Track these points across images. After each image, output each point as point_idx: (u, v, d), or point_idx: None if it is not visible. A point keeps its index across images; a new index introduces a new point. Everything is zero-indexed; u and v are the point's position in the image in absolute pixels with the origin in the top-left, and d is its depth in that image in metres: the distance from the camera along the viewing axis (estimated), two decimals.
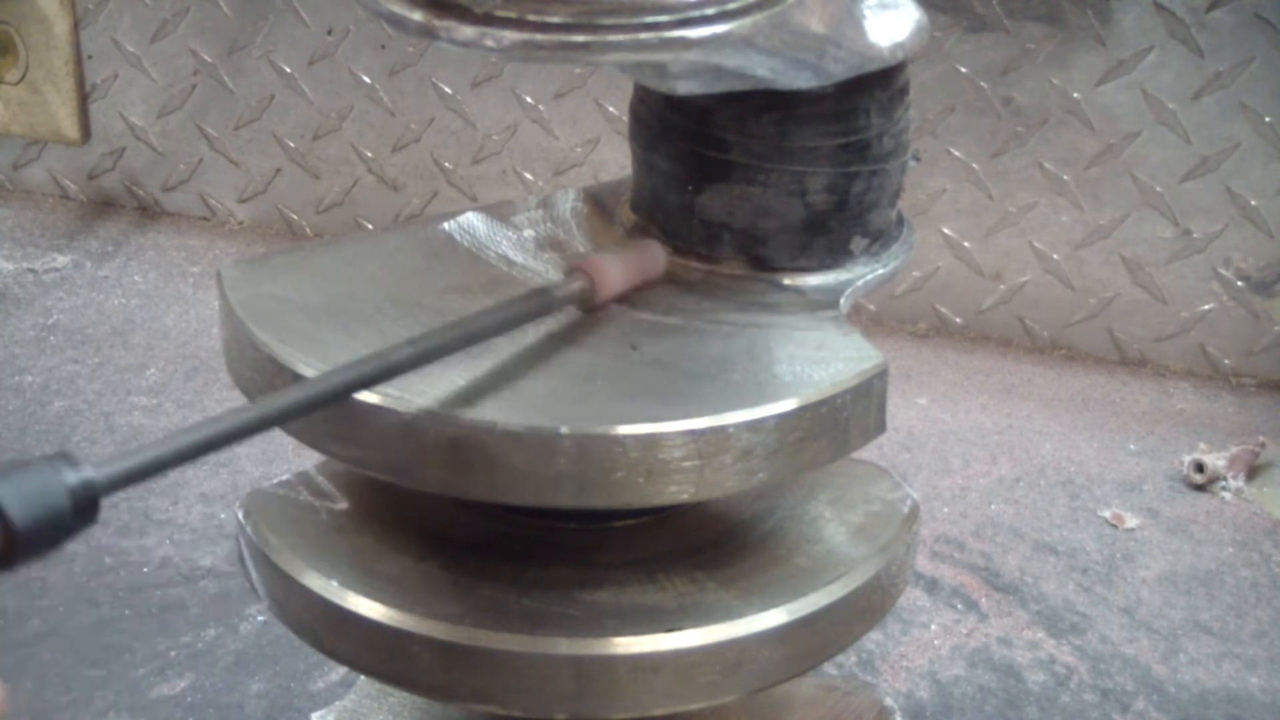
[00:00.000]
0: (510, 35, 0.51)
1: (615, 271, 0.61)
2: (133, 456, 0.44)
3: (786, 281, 0.65)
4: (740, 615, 0.58)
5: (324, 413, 0.54)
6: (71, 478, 0.42)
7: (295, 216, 1.68)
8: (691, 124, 0.64)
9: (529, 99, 1.55)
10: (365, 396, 0.53)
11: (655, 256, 0.65)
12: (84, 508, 0.42)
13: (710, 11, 0.52)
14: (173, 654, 1.00)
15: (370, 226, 1.65)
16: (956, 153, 1.44)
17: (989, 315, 1.50)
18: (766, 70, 0.57)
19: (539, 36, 0.51)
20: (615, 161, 1.54)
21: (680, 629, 0.57)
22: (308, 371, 0.55)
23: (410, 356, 0.52)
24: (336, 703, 0.80)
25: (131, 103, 1.69)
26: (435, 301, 0.62)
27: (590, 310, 0.61)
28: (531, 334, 0.60)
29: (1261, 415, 1.39)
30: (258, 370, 0.57)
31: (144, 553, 1.10)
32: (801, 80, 0.60)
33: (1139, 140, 1.39)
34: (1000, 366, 1.47)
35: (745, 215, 0.64)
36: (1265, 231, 1.39)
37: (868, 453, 0.63)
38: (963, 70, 1.41)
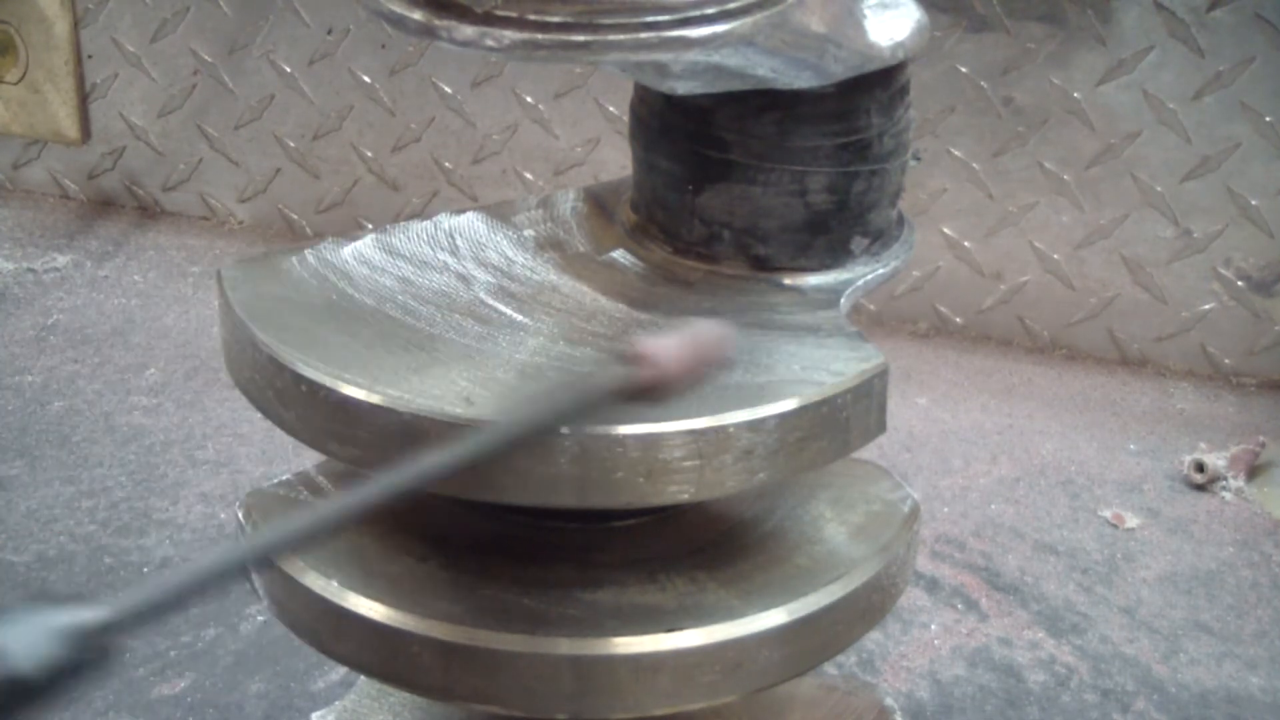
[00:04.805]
0: (510, 35, 0.51)
1: (674, 356, 0.51)
2: (138, 592, 0.41)
3: (786, 281, 0.65)
4: (740, 615, 0.58)
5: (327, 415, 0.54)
6: (68, 620, 0.40)
7: (295, 216, 1.68)
8: (692, 124, 0.64)
9: (529, 99, 1.55)
10: (365, 396, 0.53)
11: (721, 338, 0.53)
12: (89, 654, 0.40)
13: (710, 11, 0.52)
14: (173, 654, 1.00)
15: (370, 226, 1.65)
16: (957, 152, 1.44)
17: (989, 315, 1.50)
18: (767, 70, 0.57)
19: (539, 36, 0.51)
20: (615, 161, 1.54)
21: (680, 629, 0.57)
22: (308, 372, 0.55)
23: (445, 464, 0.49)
24: (336, 703, 0.79)
25: (131, 103, 1.69)
26: (435, 302, 0.62)
27: (645, 400, 0.51)
28: (532, 334, 0.60)
29: (1262, 415, 1.39)
30: (258, 370, 0.57)
31: (144, 553, 1.10)
32: (802, 80, 0.60)
33: (1139, 140, 1.39)
34: (1000, 366, 1.47)
35: (745, 215, 0.64)
36: (1265, 231, 1.39)
37: (868, 453, 0.63)
38: (963, 70, 1.41)
